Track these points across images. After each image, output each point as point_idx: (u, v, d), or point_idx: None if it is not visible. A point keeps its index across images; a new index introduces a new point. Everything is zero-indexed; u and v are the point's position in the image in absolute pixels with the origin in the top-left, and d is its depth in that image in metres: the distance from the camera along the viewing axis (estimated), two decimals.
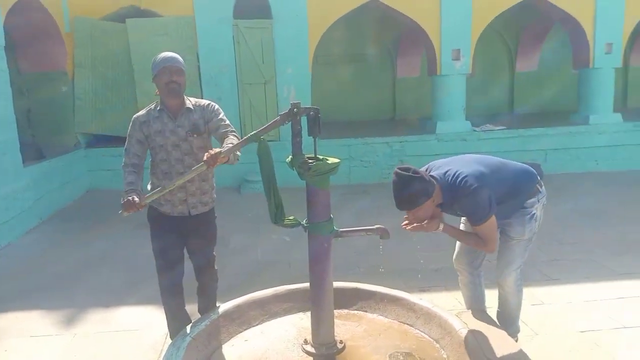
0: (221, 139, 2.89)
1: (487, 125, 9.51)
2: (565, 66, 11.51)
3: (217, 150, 2.50)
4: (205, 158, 2.46)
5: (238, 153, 2.76)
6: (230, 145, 2.66)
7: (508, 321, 3.20)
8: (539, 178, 3.01)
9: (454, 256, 3.26)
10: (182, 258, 3.15)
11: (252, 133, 2.40)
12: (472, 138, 9.10)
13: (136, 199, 2.59)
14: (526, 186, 2.95)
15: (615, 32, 9.24)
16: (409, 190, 2.60)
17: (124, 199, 2.61)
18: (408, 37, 11.21)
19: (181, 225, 3.04)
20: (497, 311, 3.27)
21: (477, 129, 9.31)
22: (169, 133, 2.92)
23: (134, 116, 3.01)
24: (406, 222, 2.76)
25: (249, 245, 5.63)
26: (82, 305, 4.17)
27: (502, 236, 3.05)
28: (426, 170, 2.83)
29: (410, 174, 2.60)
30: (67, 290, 4.56)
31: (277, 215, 2.48)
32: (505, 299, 3.19)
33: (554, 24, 10.99)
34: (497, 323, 2.98)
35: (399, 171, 2.63)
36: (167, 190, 2.68)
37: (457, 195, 2.70)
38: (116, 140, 8.35)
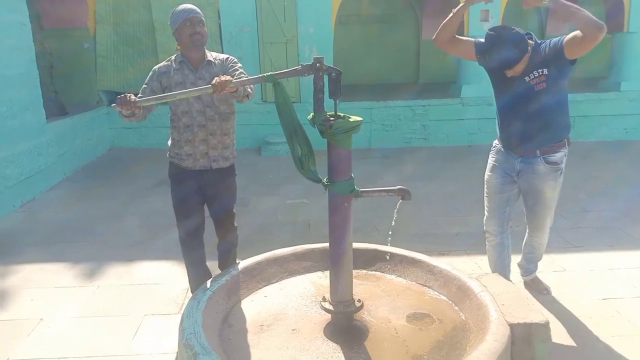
0: None
1: None
2: None
3: (228, 77, 2.44)
4: (214, 82, 2.40)
5: (249, 90, 2.76)
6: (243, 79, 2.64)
7: (532, 262, 3.50)
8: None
9: (485, 219, 3.34)
10: (202, 213, 3.17)
11: (269, 73, 2.33)
12: None
13: (133, 97, 2.53)
14: (568, 126, 3.08)
15: None
16: (510, 41, 2.61)
17: (120, 96, 2.54)
18: None
19: (202, 180, 3.05)
20: (526, 254, 3.49)
21: None
22: (190, 85, 2.89)
23: (154, 67, 3.00)
24: None
25: (268, 206, 5.64)
26: (105, 259, 4.26)
27: (534, 194, 3.14)
28: None
29: (505, 26, 2.64)
30: (89, 243, 4.66)
31: (303, 160, 2.36)
32: (533, 248, 3.40)
33: None
34: (516, 286, 2.96)
35: (494, 28, 2.66)
36: (165, 98, 2.57)
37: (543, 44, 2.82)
38: None
